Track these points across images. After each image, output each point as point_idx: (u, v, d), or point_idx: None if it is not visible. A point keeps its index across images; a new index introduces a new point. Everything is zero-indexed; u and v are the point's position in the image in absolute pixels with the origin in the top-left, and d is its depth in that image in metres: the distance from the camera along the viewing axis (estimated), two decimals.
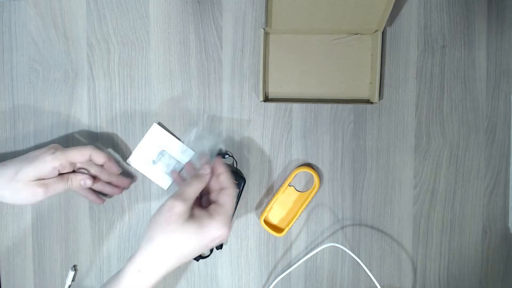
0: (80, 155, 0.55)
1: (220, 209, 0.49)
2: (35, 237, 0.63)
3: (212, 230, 0.47)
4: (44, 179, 0.54)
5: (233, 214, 0.55)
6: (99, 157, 0.57)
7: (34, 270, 0.63)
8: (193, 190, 0.50)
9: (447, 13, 0.62)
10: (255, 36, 0.62)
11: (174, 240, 0.46)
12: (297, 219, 0.62)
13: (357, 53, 0.62)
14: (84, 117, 0.62)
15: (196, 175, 0.52)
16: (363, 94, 0.62)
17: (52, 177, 0.54)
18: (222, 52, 0.62)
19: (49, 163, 0.53)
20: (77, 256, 0.63)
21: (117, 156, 0.62)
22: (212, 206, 0.50)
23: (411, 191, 0.63)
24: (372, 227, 0.63)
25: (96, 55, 0.62)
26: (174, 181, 0.62)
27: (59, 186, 0.55)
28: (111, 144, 0.62)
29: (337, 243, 0.62)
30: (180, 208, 0.47)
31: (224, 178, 0.52)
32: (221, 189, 0.51)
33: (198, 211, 0.49)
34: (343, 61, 0.62)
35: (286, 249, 0.63)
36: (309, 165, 0.63)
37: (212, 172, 0.53)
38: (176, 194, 0.48)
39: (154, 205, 0.63)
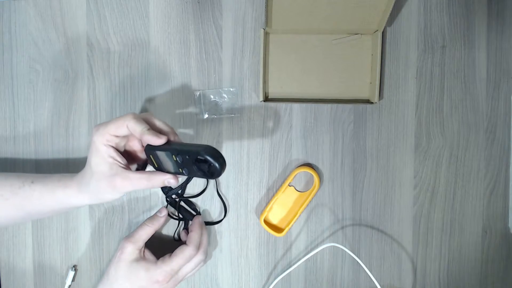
0: (115, 128, 0.48)
1: (168, 261, 0.55)
2: (35, 237, 0.63)
3: (155, 276, 0.54)
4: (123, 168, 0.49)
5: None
6: (135, 130, 0.48)
7: (34, 270, 0.63)
8: (145, 233, 0.56)
9: (447, 13, 0.62)
10: (255, 36, 0.62)
11: (123, 277, 0.54)
12: (297, 219, 0.62)
13: (357, 53, 0.62)
14: (84, 117, 0.62)
15: (151, 218, 0.59)
16: (363, 94, 0.62)
17: (123, 163, 0.49)
18: (222, 52, 0.62)
19: (98, 144, 0.48)
20: (77, 256, 0.63)
21: None
22: (166, 255, 0.56)
23: (411, 191, 0.63)
24: (372, 227, 0.63)
25: (96, 55, 0.62)
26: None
27: (139, 182, 0.49)
28: None
29: (337, 243, 0.62)
30: (129, 249, 0.55)
31: (191, 236, 0.57)
32: (185, 242, 0.57)
33: (149, 255, 0.56)
34: (343, 61, 0.62)
35: (286, 249, 0.63)
36: (309, 165, 0.63)
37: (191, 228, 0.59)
38: (128, 236, 0.56)
39: (154, 205, 0.63)
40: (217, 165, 0.45)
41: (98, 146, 0.49)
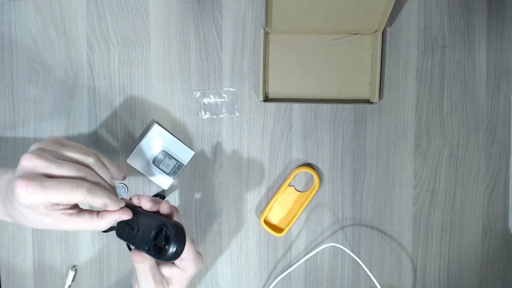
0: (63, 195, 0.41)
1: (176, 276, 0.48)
2: (35, 237, 0.63)
3: None
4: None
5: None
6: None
7: (34, 270, 0.63)
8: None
9: (447, 13, 0.62)
10: (255, 36, 0.62)
11: None
12: (297, 219, 0.62)
13: (357, 53, 0.62)
14: (84, 117, 0.62)
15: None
16: (363, 94, 0.62)
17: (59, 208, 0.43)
18: (222, 52, 0.62)
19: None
20: (77, 256, 0.63)
21: (117, 156, 0.62)
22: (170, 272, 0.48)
23: (411, 191, 0.63)
24: (372, 227, 0.63)
25: (96, 55, 0.62)
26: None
27: (79, 222, 0.44)
28: (111, 145, 0.62)
29: (337, 243, 0.62)
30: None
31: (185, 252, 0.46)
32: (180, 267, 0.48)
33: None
34: (343, 61, 0.62)
35: (286, 249, 0.63)
36: (309, 165, 0.63)
37: None
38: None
39: None
40: (175, 245, 0.39)
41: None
